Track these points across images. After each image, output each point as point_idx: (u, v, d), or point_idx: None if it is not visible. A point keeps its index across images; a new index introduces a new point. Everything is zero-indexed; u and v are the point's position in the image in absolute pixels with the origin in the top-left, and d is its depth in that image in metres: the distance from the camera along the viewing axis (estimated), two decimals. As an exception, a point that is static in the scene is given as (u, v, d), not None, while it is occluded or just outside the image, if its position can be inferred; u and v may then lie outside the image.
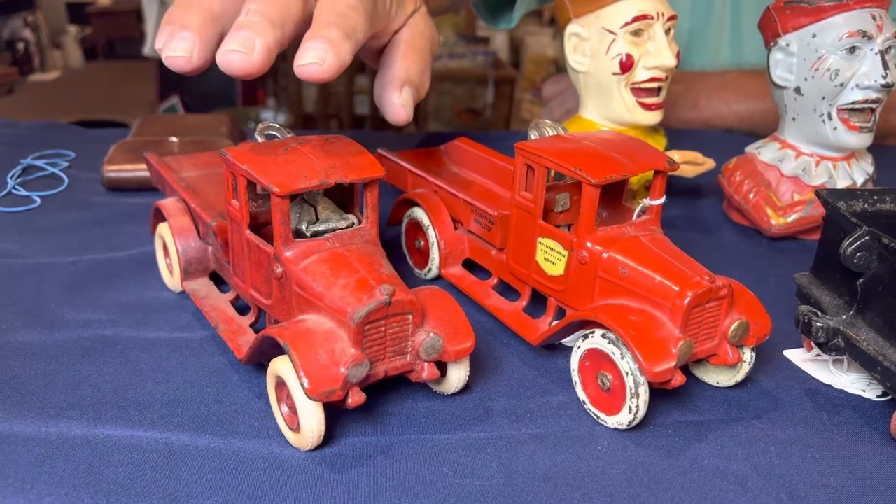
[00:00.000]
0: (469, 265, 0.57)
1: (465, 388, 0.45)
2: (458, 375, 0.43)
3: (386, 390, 0.45)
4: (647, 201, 0.47)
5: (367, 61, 0.59)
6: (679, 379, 0.41)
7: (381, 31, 0.53)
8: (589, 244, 0.45)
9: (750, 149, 0.72)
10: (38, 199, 0.67)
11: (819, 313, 0.45)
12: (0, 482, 0.36)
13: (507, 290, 0.55)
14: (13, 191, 0.68)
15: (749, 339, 0.44)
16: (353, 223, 0.45)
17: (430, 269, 0.57)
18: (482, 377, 0.47)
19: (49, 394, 0.43)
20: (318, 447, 0.40)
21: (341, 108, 2.70)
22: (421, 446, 0.41)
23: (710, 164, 0.68)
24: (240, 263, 0.46)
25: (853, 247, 0.43)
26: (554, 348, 0.50)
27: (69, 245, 0.60)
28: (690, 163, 0.67)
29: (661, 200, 0.47)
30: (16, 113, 3.20)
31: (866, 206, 0.48)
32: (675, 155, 0.67)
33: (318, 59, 0.41)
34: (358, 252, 0.42)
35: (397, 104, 0.51)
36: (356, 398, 0.39)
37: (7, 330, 0.49)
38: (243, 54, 0.40)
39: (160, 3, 2.68)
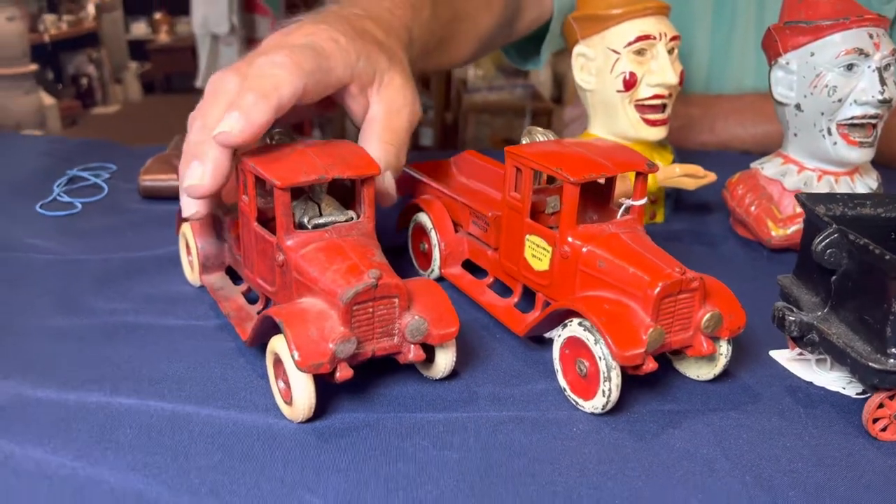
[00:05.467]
0: (471, 268, 0.60)
1: (454, 375, 0.48)
2: (444, 360, 0.46)
3: (379, 375, 0.48)
4: (629, 201, 0.50)
5: (351, 117, 0.58)
6: (651, 365, 0.44)
7: (350, 85, 0.53)
8: (570, 239, 0.47)
9: (754, 164, 0.74)
10: (80, 206, 0.73)
11: (794, 309, 0.47)
12: (20, 437, 0.40)
13: (504, 290, 0.57)
14: (58, 198, 0.74)
15: (723, 331, 0.46)
16: (353, 218, 0.49)
17: (432, 270, 0.60)
18: (472, 366, 0.50)
19: (73, 369, 0.48)
20: (310, 420, 0.43)
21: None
22: (406, 422, 0.44)
23: (711, 177, 0.70)
24: (248, 255, 0.50)
25: (823, 244, 0.45)
26: (543, 343, 0.52)
27: (104, 245, 0.65)
28: (691, 175, 0.69)
29: (643, 201, 0.50)
30: (76, 142, 3.36)
31: (846, 209, 0.50)
32: (677, 168, 0.70)
33: (227, 128, 0.46)
34: (353, 242, 0.46)
35: (382, 191, 0.52)
36: (344, 373, 0.42)
37: (42, 316, 0.54)
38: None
39: (212, 38, 2.81)
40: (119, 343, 0.51)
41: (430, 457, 0.41)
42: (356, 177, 0.46)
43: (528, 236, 0.50)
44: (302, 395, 0.42)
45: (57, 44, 4.34)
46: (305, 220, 0.48)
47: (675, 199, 0.79)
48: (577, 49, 0.73)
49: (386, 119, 0.54)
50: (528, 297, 0.54)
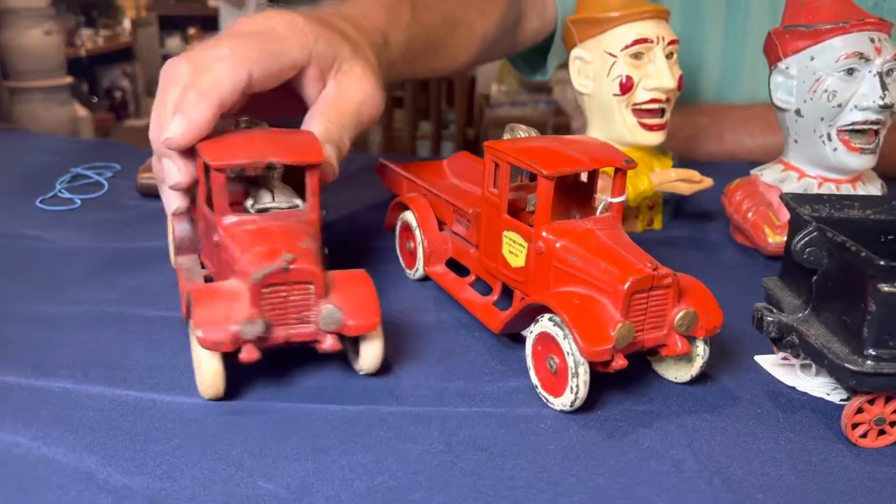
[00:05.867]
0: (458, 269, 0.59)
1: (425, 371, 0.48)
2: (368, 353, 0.45)
3: (347, 367, 0.48)
4: (608, 199, 0.49)
5: (308, 104, 0.56)
6: (620, 362, 0.43)
7: (308, 67, 0.53)
8: (544, 234, 0.47)
9: (754, 171, 0.73)
10: (79, 202, 0.74)
11: (773, 310, 0.46)
12: (-20, 418, 0.41)
13: (487, 289, 0.57)
14: (58, 193, 0.76)
15: (698, 331, 0.45)
16: (298, 206, 0.49)
17: (417, 269, 0.60)
18: (445, 363, 0.49)
19: (47, 355, 0.48)
20: (219, 399, 0.44)
21: (405, 152, 2.79)
22: (370, 414, 0.43)
23: (707, 182, 0.69)
24: (202, 237, 0.50)
25: (802, 242, 0.44)
26: (521, 341, 0.52)
27: (97, 238, 0.66)
28: (687, 180, 0.68)
29: (622, 198, 0.49)
30: (107, 153, 3.43)
31: (833, 211, 0.49)
32: (672, 172, 0.69)
33: (171, 133, 0.47)
34: (286, 228, 0.46)
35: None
36: (248, 354, 0.42)
37: (25, 302, 0.54)
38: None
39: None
40: (97, 331, 0.51)
41: (390, 448, 0.41)
42: (294, 163, 0.47)
43: (505, 232, 0.50)
44: (205, 372, 0.42)
45: (93, 58, 4.44)
46: (248, 205, 0.48)
47: (675, 207, 0.78)
48: (574, 52, 0.73)
49: (335, 100, 0.54)
50: (508, 296, 0.53)
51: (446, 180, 0.67)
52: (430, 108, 2.79)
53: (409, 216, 0.60)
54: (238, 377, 0.45)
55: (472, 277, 0.56)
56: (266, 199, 0.49)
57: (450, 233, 0.58)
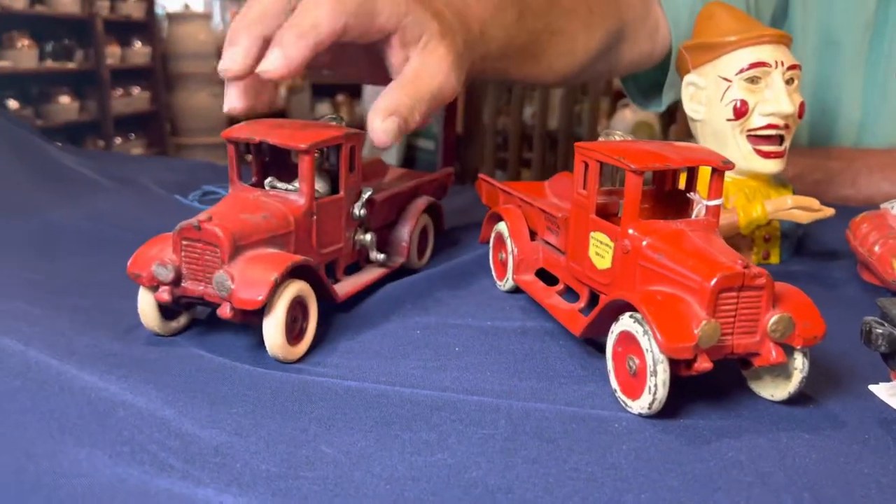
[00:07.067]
0: (549, 280, 0.58)
1: (502, 370, 0.47)
2: (265, 332, 0.46)
3: (417, 357, 0.48)
4: (704, 202, 0.47)
5: (389, 71, 0.57)
6: (704, 364, 0.40)
7: (392, 36, 0.54)
8: (631, 231, 0.45)
9: (884, 205, 0.68)
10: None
11: (884, 323, 0.42)
12: (89, 368, 0.44)
13: (575, 298, 0.55)
14: (190, 203, 0.82)
15: (795, 339, 0.41)
16: (293, 190, 0.52)
17: (507, 280, 0.59)
18: (523, 364, 0.48)
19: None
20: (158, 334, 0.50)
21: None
22: (437, 400, 0.43)
23: (827, 211, 0.64)
24: None
25: (918, 247, 0.40)
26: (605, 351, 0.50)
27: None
28: (805, 208, 0.64)
29: (719, 201, 0.47)
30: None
31: (961, 224, 0.44)
32: (789, 199, 0.65)
33: (269, 66, 0.49)
34: (258, 202, 0.50)
35: (378, 130, 0.52)
36: (161, 295, 0.47)
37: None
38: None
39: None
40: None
41: (454, 430, 0.40)
42: (278, 144, 0.51)
43: (592, 233, 0.49)
44: (138, 303, 0.48)
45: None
46: (267, 181, 0.54)
47: (796, 243, 0.74)
48: (687, 78, 0.71)
49: (415, 77, 0.55)
50: (595, 304, 0.51)
51: (545, 198, 0.67)
52: (558, 167, 2.79)
53: (502, 227, 0.60)
54: (315, 356, 0.47)
55: (560, 286, 0.55)
56: (292, 182, 0.53)
57: (541, 242, 0.58)
